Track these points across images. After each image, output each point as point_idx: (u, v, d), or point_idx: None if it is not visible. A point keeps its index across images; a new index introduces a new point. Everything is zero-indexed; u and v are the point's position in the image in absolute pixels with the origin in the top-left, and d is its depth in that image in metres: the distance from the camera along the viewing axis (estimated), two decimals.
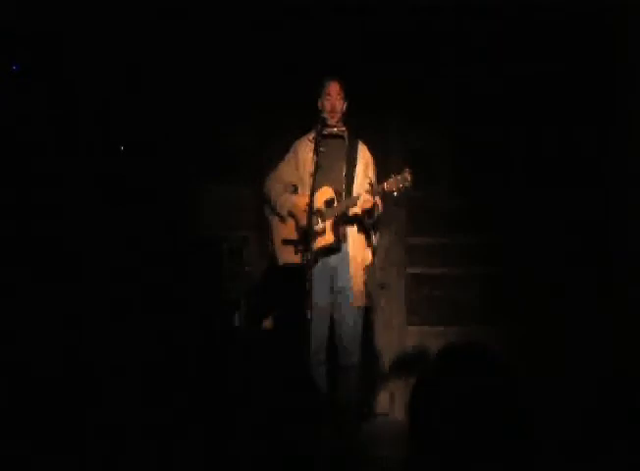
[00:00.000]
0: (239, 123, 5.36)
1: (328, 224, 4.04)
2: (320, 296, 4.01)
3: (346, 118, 4.23)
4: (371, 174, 4.16)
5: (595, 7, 4.66)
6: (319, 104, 4.17)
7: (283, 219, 4.21)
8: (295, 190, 4.25)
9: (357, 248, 4.11)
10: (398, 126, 5.39)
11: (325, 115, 4.10)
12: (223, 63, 5.23)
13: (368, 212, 3.98)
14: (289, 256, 4.16)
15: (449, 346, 1.55)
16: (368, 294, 4.25)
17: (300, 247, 4.06)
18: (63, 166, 4.74)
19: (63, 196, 4.71)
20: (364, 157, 4.18)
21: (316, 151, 3.99)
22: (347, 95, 4.18)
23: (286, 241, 4.17)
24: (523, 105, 5.01)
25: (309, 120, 4.21)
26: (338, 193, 4.07)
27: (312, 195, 3.90)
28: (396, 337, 5.36)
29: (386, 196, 4.06)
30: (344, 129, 4.21)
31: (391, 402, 5.23)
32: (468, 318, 5.21)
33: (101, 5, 4.71)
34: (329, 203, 4.04)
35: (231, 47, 5.20)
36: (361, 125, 4.45)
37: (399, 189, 3.85)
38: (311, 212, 3.90)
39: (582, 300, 4.80)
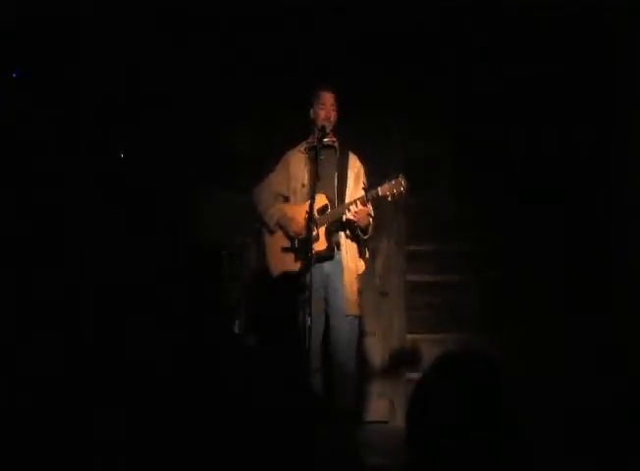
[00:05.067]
0: (239, 128, 5.37)
1: (321, 231, 4.04)
2: (314, 304, 4.00)
3: (347, 129, 4.26)
4: (362, 182, 4.16)
5: (595, 7, 4.66)
6: (311, 113, 4.19)
7: (270, 231, 4.22)
8: (286, 201, 4.26)
9: (351, 257, 4.12)
10: (398, 131, 5.39)
11: (323, 123, 4.11)
12: (223, 66, 5.25)
13: (362, 227, 3.98)
14: (283, 265, 4.16)
15: (447, 353, 1.53)
16: (362, 302, 4.25)
17: (300, 255, 4.06)
18: (63, 167, 4.74)
19: (62, 197, 4.71)
20: (355, 166, 4.20)
21: (316, 159, 4.00)
22: (340, 106, 4.20)
23: (285, 249, 4.17)
24: (523, 107, 5.00)
25: (309, 126, 4.22)
26: (331, 201, 4.07)
27: (312, 203, 3.90)
28: (395, 344, 5.33)
29: (380, 203, 4.06)
30: (334, 139, 4.22)
31: (390, 410, 5.19)
32: (468, 325, 5.18)
33: (102, 6, 4.71)
34: (322, 210, 4.05)
35: (232, 52, 5.21)
36: (361, 132, 4.46)
37: (392, 195, 3.85)
38: (310, 220, 3.90)
39: (582, 302, 4.78)
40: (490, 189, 5.11)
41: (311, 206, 3.90)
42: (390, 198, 3.89)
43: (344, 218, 4.01)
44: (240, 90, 5.20)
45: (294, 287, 4.07)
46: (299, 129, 4.42)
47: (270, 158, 4.79)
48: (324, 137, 4.12)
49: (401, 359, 5.30)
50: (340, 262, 4.09)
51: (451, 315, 5.24)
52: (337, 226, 4.08)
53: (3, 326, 4.14)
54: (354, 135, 4.37)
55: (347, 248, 4.11)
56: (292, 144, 4.38)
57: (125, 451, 3.06)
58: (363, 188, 3.99)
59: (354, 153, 4.26)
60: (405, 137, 5.36)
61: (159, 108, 5.08)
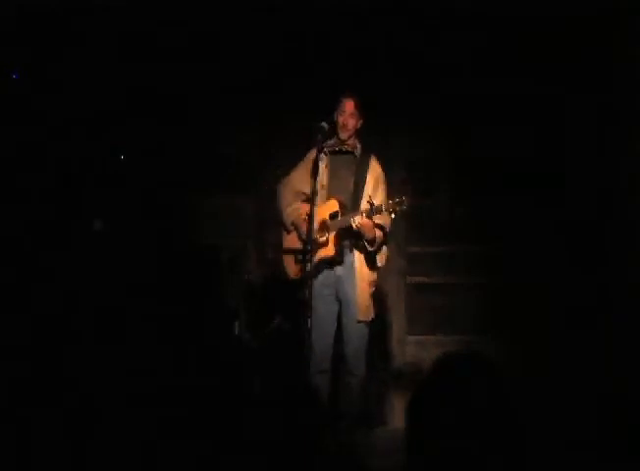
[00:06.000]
0: (239, 131, 5.37)
1: (331, 236, 4.03)
2: (325, 305, 3.99)
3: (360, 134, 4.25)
4: (381, 189, 4.15)
5: (594, 10, 4.67)
6: (334, 117, 4.16)
7: (287, 229, 4.21)
8: (308, 199, 4.23)
9: (363, 261, 4.10)
10: (398, 136, 5.40)
11: (337, 129, 4.10)
12: (223, 71, 5.25)
13: (369, 240, 3.97)
14: (295, 269, 4.15)
15: (446, 354, 1.53)
16: (376, 307, 4.24)
17: (300, 257, 4.05)
18: (61, 167, 4.75)
19: (61, 198, 4.72)
20: (375, 172, 4.16)
21: (316, 163, 3.98)
22: (363, 111, 4.17)
23: (285, 251, 4.17)
24: (523, 108, 5.00)
25: (309, 130, 4.21)
26: (344, 207, 4.06)
27: (312, 207, 3.90)
28: (396, 346, 5.33)
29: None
30: (356, 144, 4.20)
31: (391, 412, 5.19)
32: (468, 327, 5.19)
33: (102, 9, 4.73)
34: (333, 216, 4.04)
35: (232, 56, 5.22)
36: (361, 135, 4.45)
37: (395, 212, 3.85)
38: (311, 223, 3.89)
39: (582, 306, 4.78)
40: (490, 192, 5.12)
41: (311, 211, 3.90)
42: (393, 215, 3.89)
43: (353, 226, 4.00)
44: (241, 94, 5.22)
45: (301, 289, 4.06)
46: (301, 132, 4.43)
47: (270, 161, 4.81)
48: (335, 145, 4.12)
49: (402, 360, 5.31)
50: (352, 265, 4.08)
51: (451, 317, 5.25)
52: (346, 233, 4.06)
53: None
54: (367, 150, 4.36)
55: (360, 253, 4.10)
56: (292, 148, 4.39)
57: (123, 454, 3.07)
58: (368, 202, 3.97)
59: (377, 159, 4.24)
60: (406, 147, 5.37)
61: (160, 110, 5.10)
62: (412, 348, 5.29)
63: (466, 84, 5.07)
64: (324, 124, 4.07)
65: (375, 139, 5.08)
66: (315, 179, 3.92)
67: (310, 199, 3.92)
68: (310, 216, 3.88)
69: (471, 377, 1.46)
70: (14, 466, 3.03)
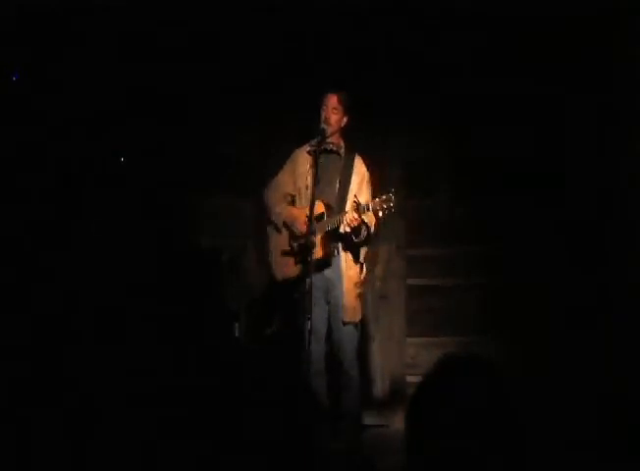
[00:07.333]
0: (239, 130, 5.36)
1: (318, 238, 4.02)
2: (317, 308, 4.00)
3: (346, 132, 4.24)
4: (365, 188, 4.14)
5: (594, 10, 4.66)
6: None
7: (278, 229, 4.21)
8: (293, 201, 4.24)
9: (349, 263, 4.10)
10: (397, 136, 5.39)
11: (322, 126, 4.10)
12: (223, 71, 5.25)
13: (355, 230, 3.95)
14: (286, 270, 4.16)
15: (447, 356, 1.53)
16: (363, 308, 4.24)
17: (299, 258, 4.06)
18: (60, 167, 4.75)
19: (60, 199, 4.71)
20: (360, 172, 4.16)
21: (315, 165, 3.98)
22: (349, 110, 4.17)
23: (285, 253, 4.17)
24: (523, 112, 4.99)
25: (309, 130, 4.22)
26: (329, 208, 4.05)
27: (312, 208, 3.90)
28: (395, 348, 5.32)
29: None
30: (340, 144, 4.20)
31: (391, 414, 5.18)
32: (468, 329, 5.18)
33: (102, 9, 4.72)
34: (319, 218, 4.03)
35: (232, 56, 5.21)
36: (361, 135, 4.46)
37: (382, 210, 3.83)
38: (311, 223, 3.90)
39: (582, 306, 4.77)
40: (490, 192, 5.11)
41: (311, 213, 3.90)
42: (381, 213, 3.87)
43: (340, 229, 3.98)
44: (241, 94, 5.21)
45: (296, 290, 4.08)
46: (300, 131, 4.43)
47: (271, 161, 4.80)
48: (322, 141, 4.11)
49: (402, 362, 5.30)
50: (339, 268, 4.09)
51: (451, 318, 5.23)
52: (333, 235, 4.06)
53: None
54: (353, 139, 4.36)
55: (346, 255, 4.10)
56: (292, 148, 4.39)
57: (123, 454, 3.06)
58: (354, 202, 3.95)
59: (362, 158, 4.22)
60: (404, 148, 5.36)
61: (160, 110, 5.09)
62: (412, 350, 5.28)
63: (466, 84, 5.05)
64: (324, 125, 4.07)
65: (374, 139, 5.11)
66: (314, 177, 3.93)
67: (310, 201, 3.93)
68: (310, 217, 3.89)
69: (471, 377, 1.46)
70: (14, 466, 3.03)
